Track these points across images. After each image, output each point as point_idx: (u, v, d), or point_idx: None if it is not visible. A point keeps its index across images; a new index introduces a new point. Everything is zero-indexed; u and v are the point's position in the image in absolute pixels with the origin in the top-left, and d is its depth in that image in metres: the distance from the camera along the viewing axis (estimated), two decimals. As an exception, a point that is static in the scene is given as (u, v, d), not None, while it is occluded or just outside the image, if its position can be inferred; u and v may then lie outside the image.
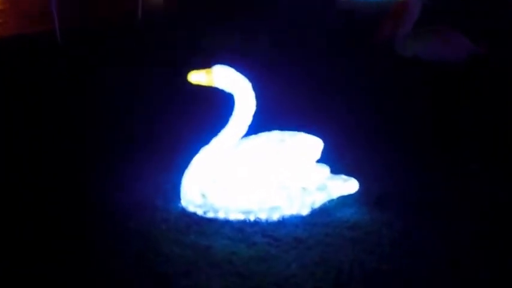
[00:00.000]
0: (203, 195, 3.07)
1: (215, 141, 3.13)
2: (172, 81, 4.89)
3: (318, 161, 3.24)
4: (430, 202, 3.26)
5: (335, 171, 3.32)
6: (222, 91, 3.13)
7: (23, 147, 3.99)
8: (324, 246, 2.83)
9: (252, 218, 3.05)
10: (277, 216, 3.06)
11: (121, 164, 3.64)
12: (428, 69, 5.62)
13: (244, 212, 3.05)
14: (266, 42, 6.90)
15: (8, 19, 8.19)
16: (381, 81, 5.44)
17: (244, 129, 3.13)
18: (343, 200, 3.24)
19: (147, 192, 3.30)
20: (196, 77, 3.06)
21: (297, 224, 3.01)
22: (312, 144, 3.20)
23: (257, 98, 3.12)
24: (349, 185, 3.26)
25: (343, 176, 3.31)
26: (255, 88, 3.11)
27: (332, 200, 3.21)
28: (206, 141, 3.15)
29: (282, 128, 3.28)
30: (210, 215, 3.07)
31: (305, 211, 3.11)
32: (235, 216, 3.05)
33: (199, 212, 3.09)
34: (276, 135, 3.20)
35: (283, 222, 3.03)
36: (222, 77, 3.06)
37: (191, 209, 3.11)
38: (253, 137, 3.21)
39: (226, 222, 3.02)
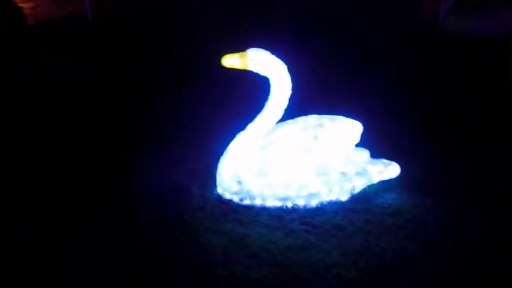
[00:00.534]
0: (239, 182, 3.01)
1: (251, 127, 3.05)
2: (207, 66, 4.82)
3: (357, 145, 3.15)
4: (475, 188, 3.13)
5: (375, 155, 3.21)
6: (257, 75, 3.05)
7: (57, 129, 4.02)
8: (364, 233, 2.74)
9: (289, 205, 2.98)
10: (316, 202, 2.98)
11: (155, 151, 3.62)
12: (470, 48, 5.40)
13: (281, 199, 2.98)
14: (304, 23, 6.77)
15: (38, 3, 8.30)
16: (422, 62, 5.25)
17: (281, 113, 3.04)
18: (384, 185, 3.13)
19: (183, 180, 3.27)
20: (230, 60, 2.98)
21: (336, 211, 2.93)
22: (351, 128, 3.10)
23: (293, 81, 3.02)
24: (390, 170, 3.15)
25: (384, 160, 3.20)
26: (290, 71, 3.01)
27: (372, 185, 3.11)
28: (242, 127, 3.08)
29: (319, 112, 3.18)
30: (247, 202, 3.01)
31: (344, 197, 3.02)
32: (272, 203, 2.98)
33: (236, 199, 3.03)
34: (314, 119, 3.11)
35: (322, 209, 2.95)
36: (256, 60, 2.97)
37: (227, 196, 3.06)
38: (290, 121, 3.12)
39: (263, 210, 2.96)
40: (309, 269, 2.49)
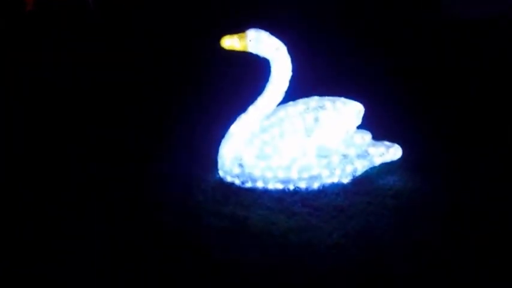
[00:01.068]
0: (241, 165, 3.00)
1: (252, 109, 3.03)
2: (206, 48, 4.78)
3: (359, 127, 3.12)
4: (476, 169, 3.11)
5: (377, 137, 3.19)
6: (257, 56, 3.01)
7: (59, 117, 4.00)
8: (366, 215, 2.73)
9: (291, 187, 2.97)
10: (317, 185, 2.97)
11: (155, 135, 3.60)
12: (477, 31, 5.34)
13: (283, 182, 2.97)
14: (305, 3, 6.71)
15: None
16: (427, 44, 5.20)
17: (281, 95, 3.02)
18: (386, 168, 3.12)
19: (183, 163, 3.26)
20: (230, 42, 2.95)
21: (338, 193, 2.92)
22: (352, 110, 3.07)
23: (293, 62, 2.99)
24: (392, 152, 3.13)
25: (386, 142, 3.18)
26: (291, 52, 2.97)
27: (374, 168, 3.09)
28: (243, 110, 3.06)
29: (321, 93, 3.15)
30: (248, 185, 3.00)
31: (346, 179, 3.00)
32: (273, 185, 2.97)
33: (237, 182, 3.03)
34: (315, 101, 3.08)
35: (323, 191, 2.94)
36: (256, 41, 2.94)
37: (229, 179, 3.05)
38: (291, 103, 3.10)
39: (265, 192, 2.95)
40: (311, 250, 2.48)
